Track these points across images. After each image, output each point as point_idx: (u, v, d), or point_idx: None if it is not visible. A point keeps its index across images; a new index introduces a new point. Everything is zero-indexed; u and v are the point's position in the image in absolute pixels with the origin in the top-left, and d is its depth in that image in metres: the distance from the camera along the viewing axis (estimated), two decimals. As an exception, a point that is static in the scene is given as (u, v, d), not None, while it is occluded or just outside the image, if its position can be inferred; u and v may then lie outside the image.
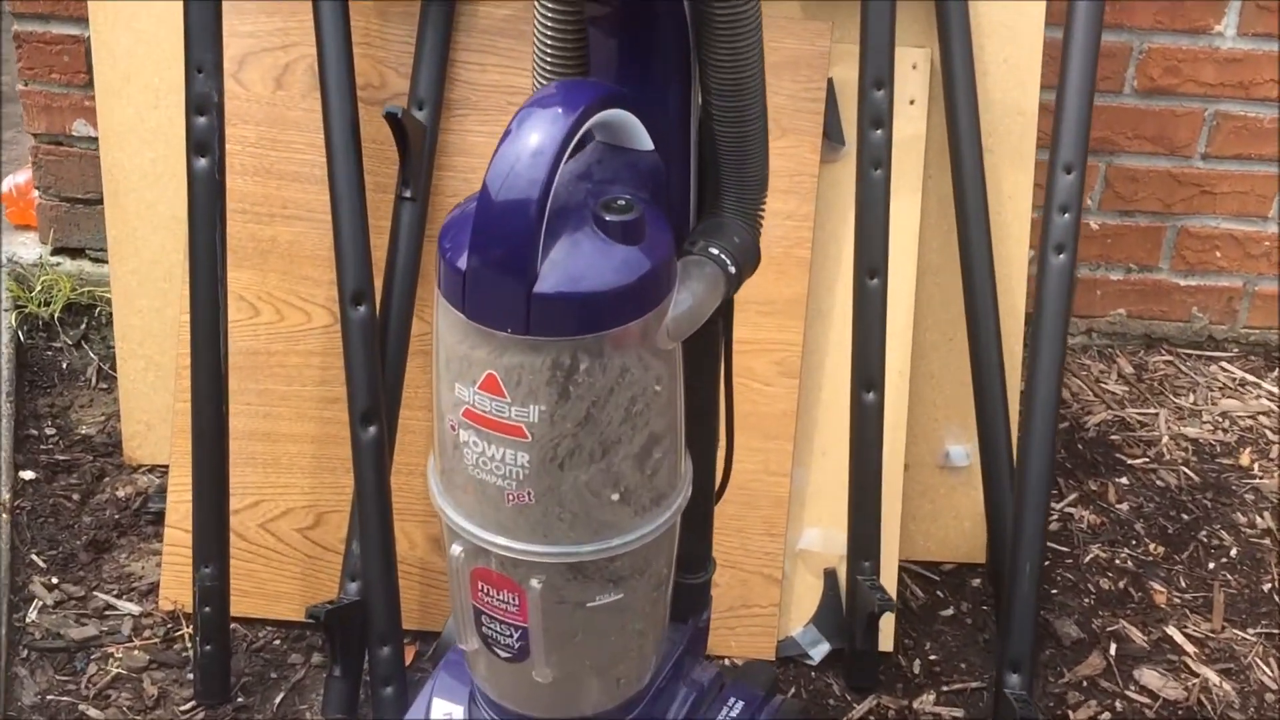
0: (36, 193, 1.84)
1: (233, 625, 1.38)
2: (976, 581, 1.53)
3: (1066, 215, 1.23)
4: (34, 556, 1.48)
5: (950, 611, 1.50)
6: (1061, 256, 1.24)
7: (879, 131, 1.29)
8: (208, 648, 1.28)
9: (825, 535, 1.41)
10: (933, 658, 1.43)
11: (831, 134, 1.39)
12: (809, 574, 1.42)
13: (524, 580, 0.86)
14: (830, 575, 1.41)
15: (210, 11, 1.18)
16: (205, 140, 1.20)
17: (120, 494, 1.60)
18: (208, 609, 1.27)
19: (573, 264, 0.76)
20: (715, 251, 0.85)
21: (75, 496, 1.59)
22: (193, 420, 1.27)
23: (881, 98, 1.27)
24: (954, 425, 1.52)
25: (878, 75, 1.27)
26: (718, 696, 1.13)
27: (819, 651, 1.39)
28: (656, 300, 0.79)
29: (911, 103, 1.40)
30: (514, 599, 0.88)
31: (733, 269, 0.86)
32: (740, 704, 1.12)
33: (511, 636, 0.90)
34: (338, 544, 1.38)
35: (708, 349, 0.93)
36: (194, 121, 1.20)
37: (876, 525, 1.35)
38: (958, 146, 1.37)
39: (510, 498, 0.82)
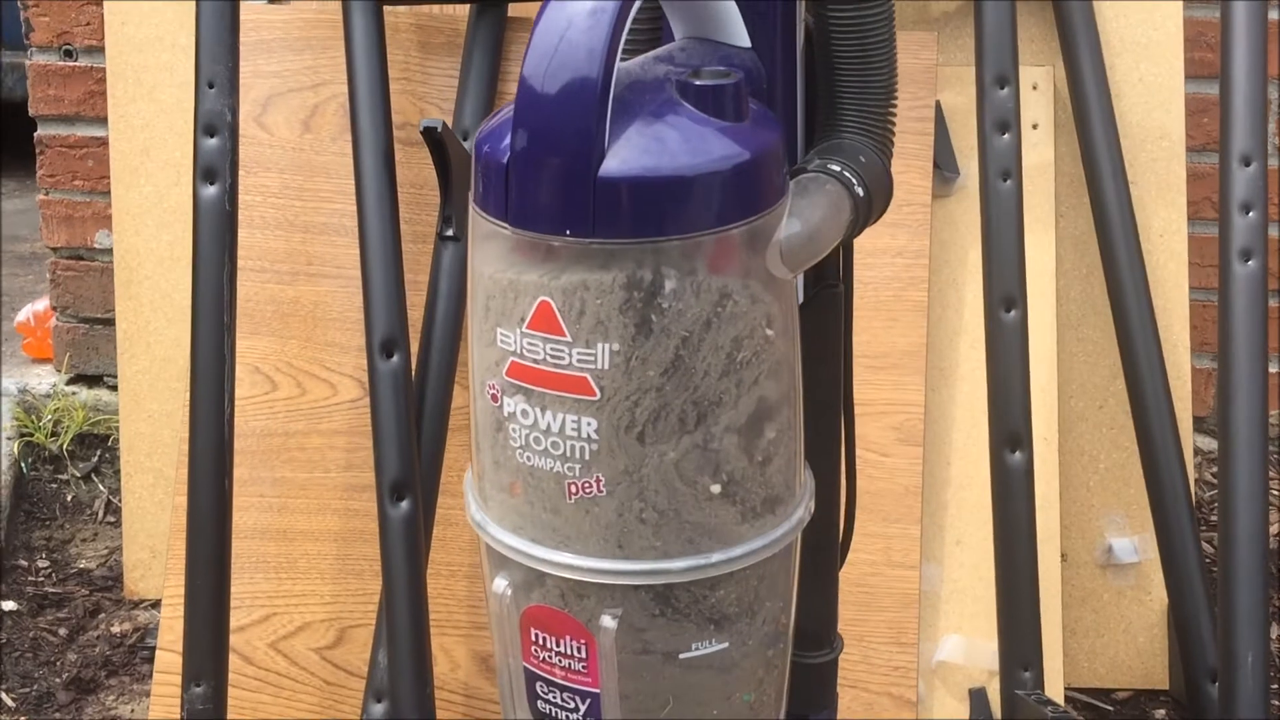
0: (55, 318, 1.75)
1: (233, 774, 1.16)
2: (1161, 714, 1.26)
3: (1251, 214, 1.03)
4: (2, 695, 1.28)
5: (1134, 747, 1.22)
6: (1250, 263, 1.04)
7: (1005, 136, 1.13)
8: (197, 789, 1.05)
9: (968, 645, 1.16)
10: (1119, 803, 1.15)
11: (943, 163, 1.24)
12: (950, 694, 1.17)
13: (593, 618, 0.65)
14: (978, 696, 1.15)
15: (226, 16, 1.07)
16: (215, 165, 1.07)
17: (115, 630, 1.41)
18: (198, 738, 1.06)
19: (651, 141, 0.58)
20: (836, 168, 0.68)
21: (61, 631, 1.39)
22: (189, 508, 1.09)
23: (1006, 96, 1.12)
24: (1115, 512, 1.28)
25: (1000, 70, 1.12)
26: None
27: (972, 794, 1.13)
28: (765, 203, 0.61)
29: (1035, 127, 1.24)
30: (580, 649, 0.67)
31: (860, 191, 0.68)
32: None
33: (578, 710, 0.68)
34: (363, 666, 1.16)
35: (827, 319, 0.74)
36: (203, 144, 1.08)
37: (1035, 625, 1.10)
38: (1097, 177, 1.20)
39: (573, 489, 0.62)
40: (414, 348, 1.15)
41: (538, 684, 0.69)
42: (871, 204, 0.69)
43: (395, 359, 1.09)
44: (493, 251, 0.62)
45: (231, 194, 1.09)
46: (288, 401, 1.23)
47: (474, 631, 1.18)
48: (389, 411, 1.08)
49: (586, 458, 0.61)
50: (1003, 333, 1.11)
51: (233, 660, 1.18)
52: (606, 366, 0.60)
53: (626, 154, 0.58)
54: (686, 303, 0.59)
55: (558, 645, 0.67)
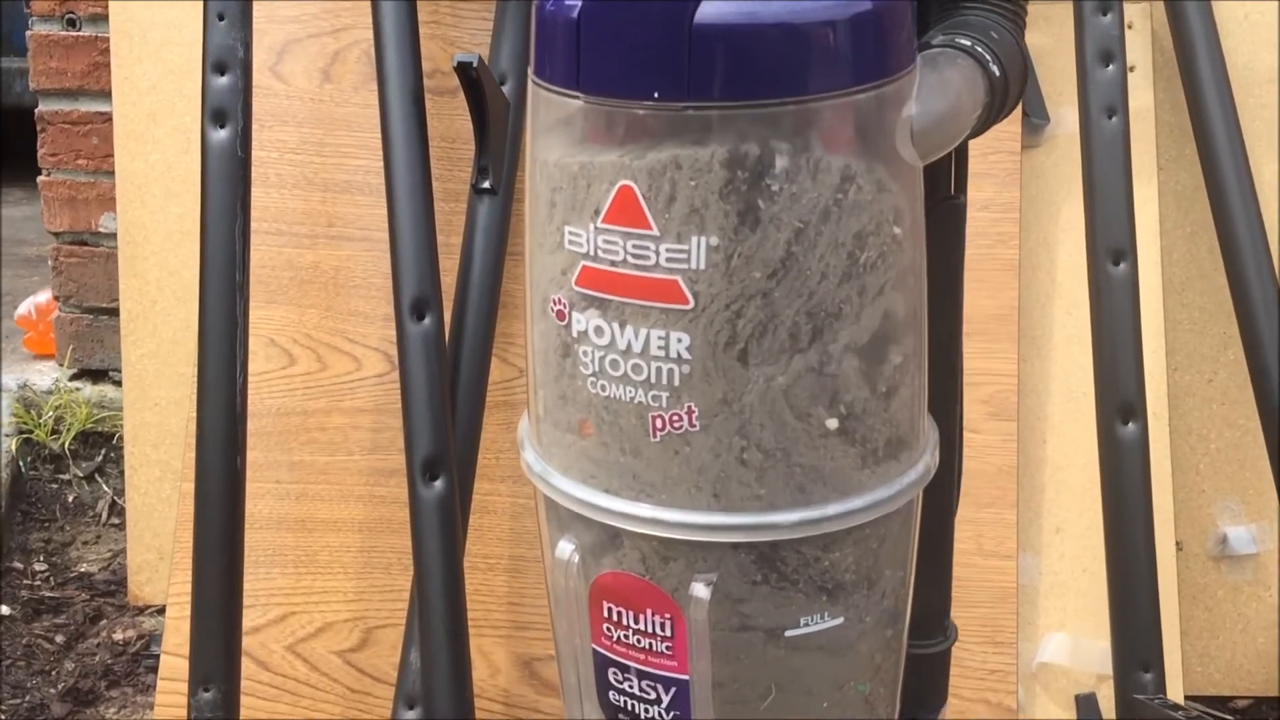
0: (57, 310, 1.66)
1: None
2: (1285, 723, 1.14)
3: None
4: (-8, 706, 1.18)
5: (1260, 762, 1.10)
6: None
7: (1109, 68, 1.02)
8: (205, 808, 0.94)
9: (1074, 644, 1.05)
10: (1252, 825, 1.03)
11: (1031, 109, 1.13)
12: (1053, 701, 1.05)
13: (681, 586, 0.54)
14: (1088, 702, 1.03)
15: (236, -60, 0.98)
16: (226, 105, 0.98)
17: (118, 637, 1.31)
18: (206, 750, 0.95)
19: (757, -17, 0.48)
20: (967, 43, 0.57)
21: (59, 639, 1.29)
22: (196, 493, 0.98)
23: (1109, 24, 1.01)
24: (1229, 498, 1.17)
25: (1103, -7, 1.01)
26: None
27: (1083, 815, 1.01)
28: (893, 65, 0.51)
29: (1132, 69, 1.13)
30: (664, 626, 0.56)
31: (995, 70, 0.57)
32: None
33: (660, 702, 0.58)
34: (392, 671, 1.06)
35: (948, 239, 0.64)
36: (212, 82, 0.98)
37: (1154, 619, 0.99)
38: (1206, 124, 1.09)
39: (659, 424, 0.52)
40: (446, 316, 1.05)
41: (610, 671, 0.58)
42: (1008, 87, 0.58)
43: (427, 321, 0.99)
44: (559, 132, 0.52)
45: (244, 139, 0.99)
46: (306, 377, 1.13)
47: (515, 632, 1.07)
48: (420, 380, 0.97)
49: (676, 383, 0.51)
50: (1111, 288, 1.00)
51: (246, 665, 1.07)
52: (702, 266, 0.49)
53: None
54: (801, 185, 0.49)
55: (636, 622, 0.56)
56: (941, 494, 0.66)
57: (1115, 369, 1.00)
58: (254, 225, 1.14)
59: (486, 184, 1.06)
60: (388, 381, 1.11)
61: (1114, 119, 1.01)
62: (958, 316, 0.66)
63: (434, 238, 1.01)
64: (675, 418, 0.51)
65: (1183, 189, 1.18)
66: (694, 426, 0.51)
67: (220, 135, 0.98)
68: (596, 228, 0.50)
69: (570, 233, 0.52)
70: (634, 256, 0.50)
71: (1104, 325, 1.00)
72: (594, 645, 0.58)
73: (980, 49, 0.57)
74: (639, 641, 0.56)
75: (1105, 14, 1.01)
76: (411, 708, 0.97)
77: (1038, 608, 1.07)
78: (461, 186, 1.13)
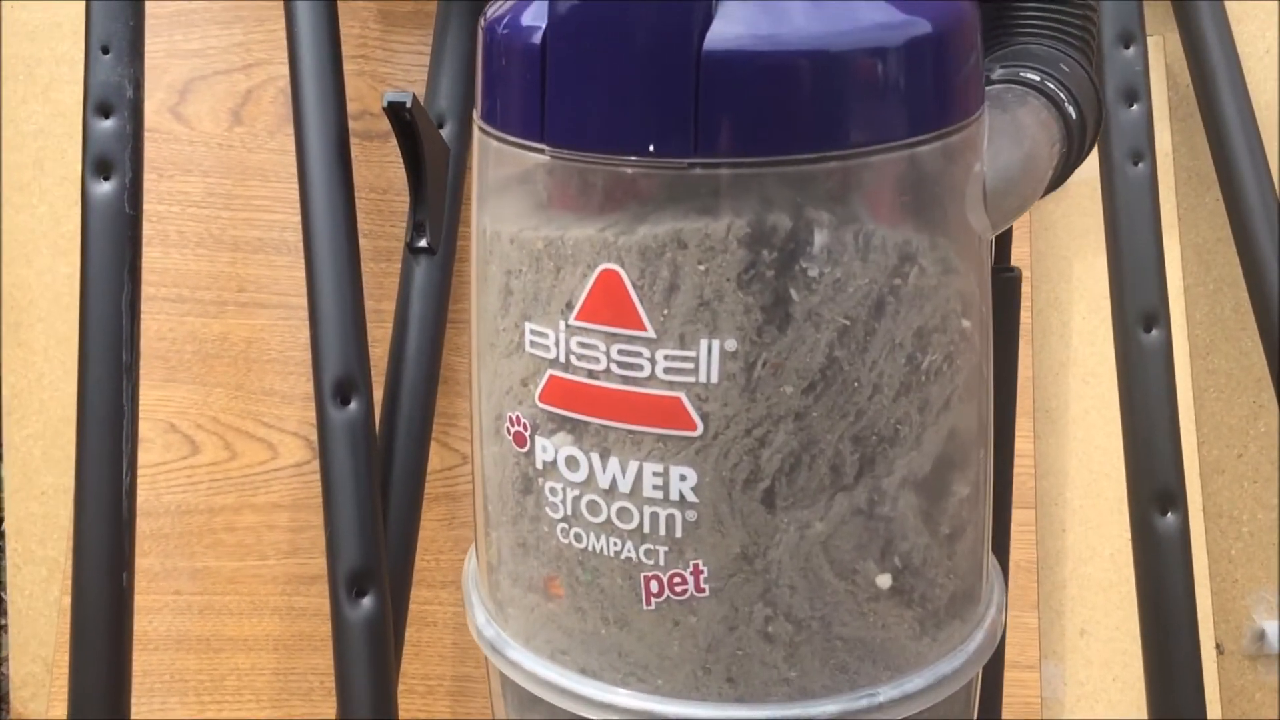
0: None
1: None
2: (1336, 844, 1.03)
3: None
4: None
5: None
6: None
7: (1134, 108, 0.92)
8: None
9: (1107, 766, 0.93)
10: None
11: (1037, 153, 1.03)
12: (1087, 835, 0.93)
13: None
14: (1125, 835, 0.92)
15: (124, -41, 0.85)
16: (111, 153, 0.84)
17: (-5, 766, 1.15)
18: None
19: (780, 4, 0.36)
20: (1035, 78, 0.46)
21: (-76, 771, 1.13)
22: (73, 613, 0.84)
23: (1133, 57, 0.91)
24: (1264, 588, 1.06)
25: (1125, 27, 0.91)
26: None
27: None
28: (960, 109, 0.39)
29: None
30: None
31: (1071, 110, 0.46)
32: None
33: None
34: (313, 817, 0.92)
35: (1004, 318, 0.52)
36: (95, 127, 0.85)
37: (1202, 739, 0.87)
38: (1230, 166, 0.99)
39: (655, 587, 0.39)
40: (377, 395, 0.92)
41: None
42: (1085, 130, 0.47)
43: (353, 406, 0.85)
44: (516, 195, 0.39)
45: (133, 191, 0.86)
46: (213, 468, 0.99)
47: (460, 766, 0.94)
48: (345, 476, 0.84)
49: (678, 534, 0.38)
50: (1143, 358, 0.90)
51: (138, 814, 0.93)
52: (715, 379, 0.37)
53: (747, 16, 0.35)
54: (848, 269, 0.37)
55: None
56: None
57: (1151, 451, 0.89)
58: (152, 290, 1.00)
59: (423, 242, 0.93)
60: (308, 472, 0.97)
61: (1140, 165, 0.91)
62: (1011, 417, 0.55)
63: (361, 305, 0.88)
64: (676, 579, 0.39)
65: (1202, 242, 1.08)
66: (702, 591, 0.39)
67: (104, 188, 0.85)
68: (568, 326, 0.38)
69: (533, 331, 0.39)
70: (620, 366, 0.38)
71: (1136, 402, 0.89)
72: None
73: (1052, 85, 0.46)
74: None
75: (1128, 47, 0.91)
76: None
77: (1063, 723, 0.95)
78: (395, 244, 1.01)
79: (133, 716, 0.85)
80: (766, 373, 0.37)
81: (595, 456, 0.39)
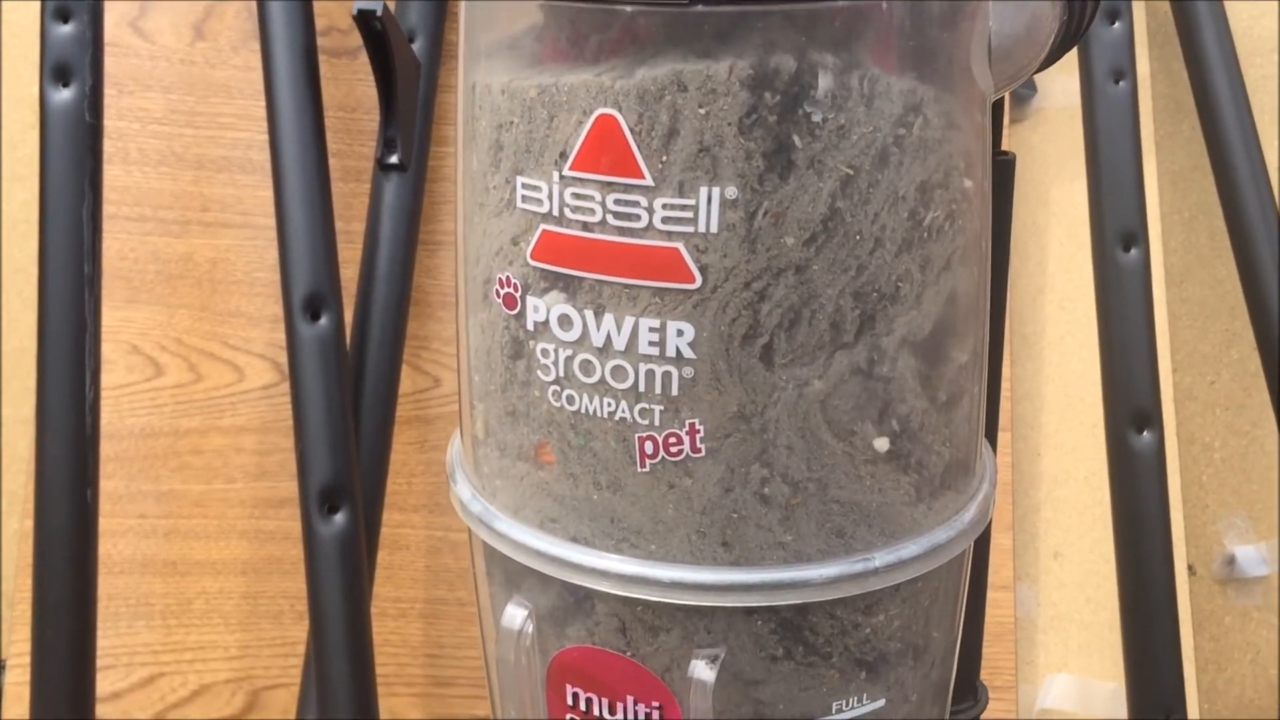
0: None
1: None
2: (1301, 765, 1.05)
3: None
4: None
5: (1281, 812, 1.01)
6: None
7: (1115, 26, 0.91)
8: None
9: (1080, 687, 0.94)
10: None
11: (1016, 77, 1.03)
12: (1059, 753, 0.94)
13: (676, 665, 0.42)
14: (1097, 753, 0.93)
15: None
16: (70, 59, 0.82)
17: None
18: None
19: None
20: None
21: (-119, 706, 1.12)
22: (36, 532, 0.83)
23: (1114, -26, 0.91)
24: (1235, 514, 1.07)
25: (1106, -59, 0.91)
26: None
27: None
28: (967, -43, 0.39)
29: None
30: (652, 717, 0.43)
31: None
32: None
33: (640, 816, 0.45)
34: (284, 741, 0.91)
35: (998, 202, 0.52)
36: (53, 31, 0.82)
37: (1175, 658, 0.88)
38: (1210, 94, 0.99)
39: (649, 449, 0.39)
40: (347, 316, 0.91)
41: (574, 775, 0.45)
42: (1085, 4, 0.46)
43: (324, 321, 0.84)
44: (508, 50, 0.39)
45: (93, 100, 0.83)
46: (177, 390, 0.97)
47: (434, 690, 0.93)
48: (316, 392, 0.83)
49: (674, 393, 0.38)
50: (1121, 278, 0.90)
51: (104, 739, 0.92)
52: (714, 229, 0.36)
53: None
54: (852, 116, 0.36)
55: (612, 713, 0.43)
56: (985, 536, 0.55)
57: (1128, 371, 0.89)
58: (113, 210, 0.98)
59: (394, 158, 0.91)
60: (275, 394, 0.96)
61: (1121, 83, 0.91)
62: (1003, 306, 0.54)
63: (331, 223, 0.86)
64: (672, 440, 0.39)
65: (1179, 169, 1.09)
66: (698, 451, 0.38)
67: (63, 96, 0.82)
68: (562, 177, 0.37)
69: (525, 186, 0.38)
70: (616, 216, 0.37)
71: (1114, 321, 0.89)
72: (553, 739, 0.45)
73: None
74: (616, 738, 0.43)
75: (1109, -37, 0.91)
76: (308, 791, 0.82)
77: (1037, 644, 0.96)
78: (364, 164, 0.99)
79: (98, 640, 0.84)
80: (767, 222, 0.36)
81: (589, 314, 0.38)
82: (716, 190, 0.36)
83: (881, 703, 0.44)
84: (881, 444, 0.40)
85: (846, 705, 0.43)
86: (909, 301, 0.39)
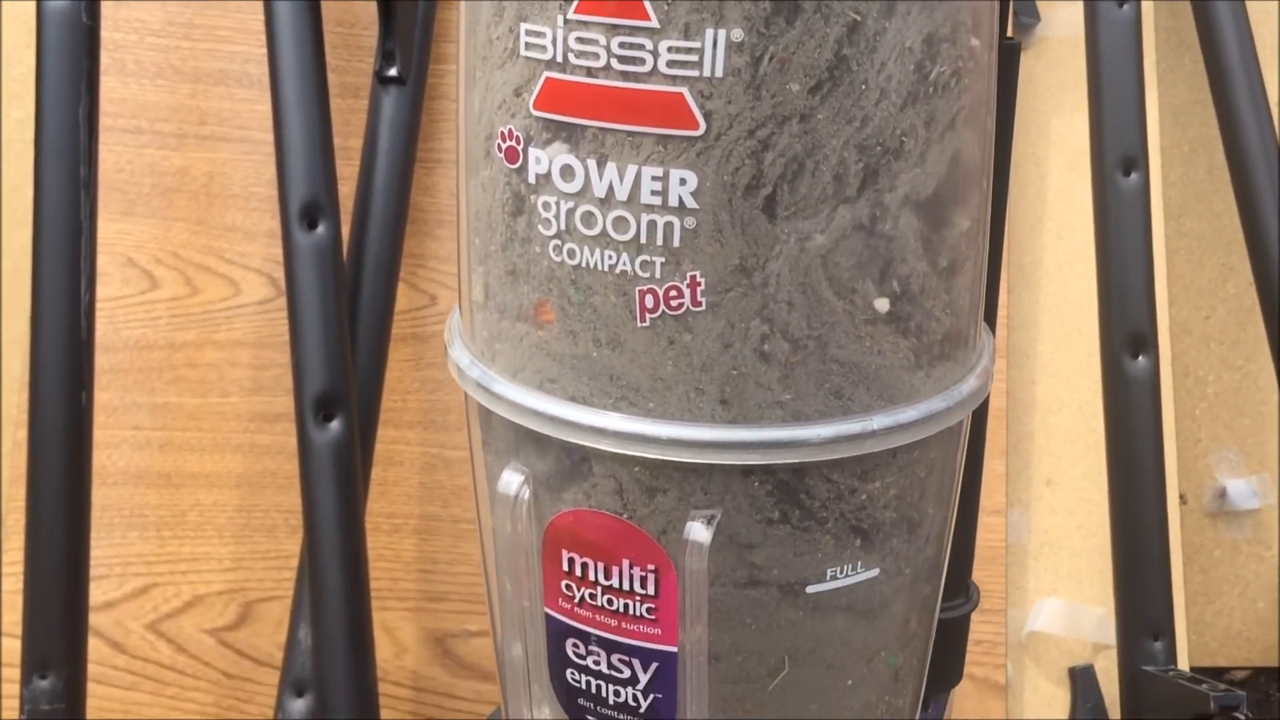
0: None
1: (100, 800, 0.90)
2: (1286, 696, 1.06)
3: None
4: None
5: (1265, 741, 1.02)
6: None
7: (1121, -54, 0.91)
8: (41, 823, 0.79)
9: (1069, 611, 0.95)
10: (1266, 811, 0.95)
11: (1020, 6, 1.02)
12: (1045, 675, 0.95)
13: (671, 527, 0.42)
14: (1084, 676, 0.93)
15: None
16: (66, -41, 0.81)
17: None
18: (43, 752, 0.79)
19: None
20: None
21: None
22: (31, 438, 0.82)
23: (1121, -106, 0.90)
24: (1227, 448, 1.08)
25: None
26: None
27: (1081, 805, 0.91)
28: None
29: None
30: (648, 582, 0.43)
31: None
32: None
33: (635, 681, 0.45)
34: (276, 652, 0.91)
35: (1003, 86, 0.52)
36: (49, -70, 0.82)
37: (1165, 581, 0.89)
38: (1211, 27, 0.98)
39: (649, 302, 0.39)
40: (344, 230, 0.90)
41: (569, 643, 0.45)
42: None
43: (321, 230, 0.84)
44: (513, -110, 0.38)
45: (90, 3, 0.83)
46: (173, 304, 0.97)
47: (426, 604, 0.93)
48: (313, 300, 0.83)
49: (675, 244, 0.38)
50: (1121, 202, 0.90)
51: (98, 647, 0.92)
52: (719, 73, 0.36)
53: None
54: (859, -41, 0.36)
55: (608, 578, 0.43)
56: (976, 414, 0.55)
57: (1125, 294, 0.89)
58: (109, 122, 0.98)
59: (393, 71, 0.91)
60: (271, 309, 0.96)
61: (1125, 6, 0.91)
62: (1004, 193, 0.54)
63: (329, 131, 0.86)
64: (672, 293, 0.38)
65: (1180, 103, 1.09)
66: (698, 305, 0.38)
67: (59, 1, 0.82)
68: (567, 21, 0.37)
69: (528, 32, 0.38)
70: (620, 61, 0.37)
71: (1112, 244, 0.89)
72: (547, 609, 0.45)
73: None
74: (610, 603, 0.44)
75: (1115, -118, 0.90)
76: (300, 695, 0.82)
77: (1027, 569, 0.97)
78: (362, 79, 0.98)
79: (91, 549, 0.84)
80: (773, 68, 0.36)
81: (592, 163, 0.38)
82: (722, 33, 0.36)
83: (875, 572, 0.44)
84: (882, 304, 0.40)
85: (840, 572, 0.43)
86: (913, 158, 0.39)
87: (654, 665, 0.44)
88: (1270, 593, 1.07)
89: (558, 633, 0.45)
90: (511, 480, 0.44)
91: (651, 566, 0.42)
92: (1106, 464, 0.91)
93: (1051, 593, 0.95)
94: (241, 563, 0.94)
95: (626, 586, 0.43)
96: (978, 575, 0.94)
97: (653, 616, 0.43)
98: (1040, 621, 0.94)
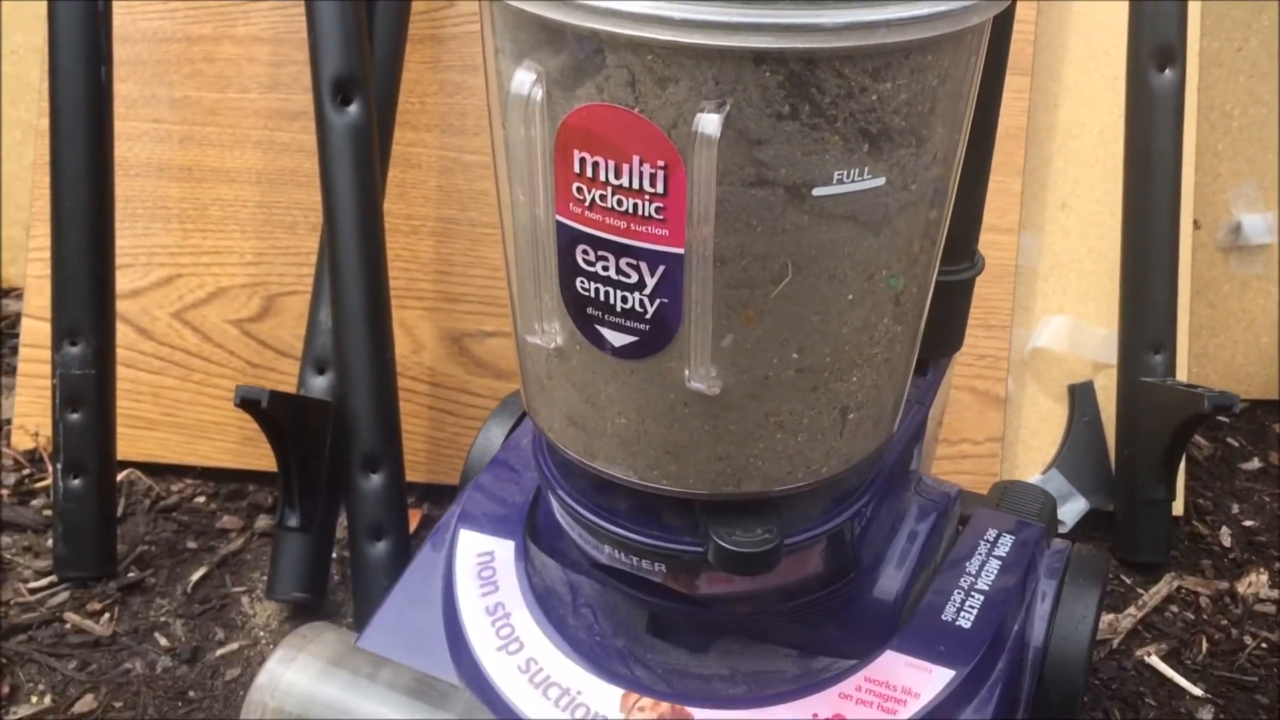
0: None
1: (131, 475, 0.94)
2: (1281, 429, 1.08)
3: None
4: None
5: (1255, 464, 1.04)
6: None
7: None
8: (75, 482, 0.83)
9: (1073, 328, 0.96)
10: (1248, 523, 0.98)
11: None
12: (1044, 391, 0.97)
13: (681, 120, 0.42)
14: (1084, 391, 0.96)
15: None
16: None
17: (-22, 319, 1.17)
18: (75, 415, 0.83)
19: None
20: None
21: (-91, 319, 1.15)
22: (52, 109, 0.83)
23: None
24: (1246, 182, 1.07)
25: None
26: (968, 522, 0.69)
27: (1071, 511, 0.94)
28: None
29: None
30: (657, 179, 0.44)
31: None
32: (1009, 538, 0.67)
33: (642, 286, 0.46)
34: (297, 344, 0.94)
35: None
36: None
37: (1170, 295, 0.90)
38: None
39: None
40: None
41: (579, 250, 0.46)
42: None
43: (337, -92, 0.82)
44: None
45: None
46: (189, -4, 0.96)
47: (443, 305, 0.95)
48: (328, -20, 0.82)
49: None
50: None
51: (126, 332, 0.95)
52: None
53: None
54: None
55: (617, 177, 0.44)
56: (992, 52, 0.54)
57: (1156, 5, 0.87)
58: None
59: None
60: (288, 5, 0.94)
61: None
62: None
63: None
64: None
65: None
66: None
67: None
68: None
69: None
70: None
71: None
72: (558, 217, 0.46)
73: None
74: (620, 204, 0.44)
75: None
76: (321, 372, 0.85)
77: (1035, 290, 0.98)
78: None
79: (116, 240, 0.86)
80: None
81: None
82: None
83: (881, 180, 0.45)
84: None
85: (847, 176, 0.44)
86: None
87: (661, 268, 0.45)
88: (1273, 329, 1.08)
89: (569, 239, 0.47)
90: (524, 79, 0.44)
91: (661, 163, 0.43)
92: (1123, 179, 0.91)
93: (1058, 311, 0.96)
94: (263, 257, 0.96)
95: (636, 185, 0.44)
96: (985, 290, 0.95)
97: (661, 217, 0.44)
98: (1045, 337, 0.96)
